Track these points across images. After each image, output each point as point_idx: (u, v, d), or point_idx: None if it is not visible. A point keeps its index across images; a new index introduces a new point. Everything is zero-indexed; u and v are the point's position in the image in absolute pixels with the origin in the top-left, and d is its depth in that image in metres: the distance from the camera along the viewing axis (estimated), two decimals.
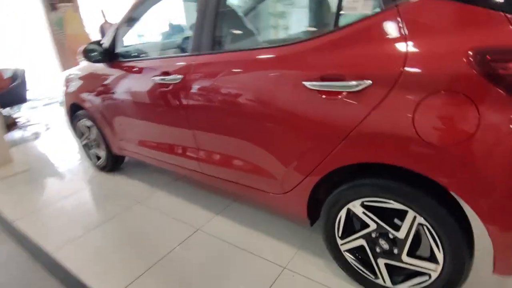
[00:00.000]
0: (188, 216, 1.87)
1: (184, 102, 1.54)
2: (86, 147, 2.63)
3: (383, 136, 0.96)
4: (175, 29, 4.40)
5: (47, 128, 4.08)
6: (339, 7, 1.07)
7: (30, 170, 2.78)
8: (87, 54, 1.93)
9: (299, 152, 1.21)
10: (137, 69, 1.80)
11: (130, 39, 2.12)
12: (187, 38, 2.14)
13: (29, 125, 4.22)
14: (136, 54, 2.12)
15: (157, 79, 1.63)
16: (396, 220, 1.10)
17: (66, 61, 5.51)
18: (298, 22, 2.21)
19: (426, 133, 0.88)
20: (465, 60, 0.80)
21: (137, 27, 1.97)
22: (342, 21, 1.06)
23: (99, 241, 1.74)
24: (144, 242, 1.69)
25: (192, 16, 1.57)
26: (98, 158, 2.57)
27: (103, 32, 5.46)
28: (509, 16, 0.76)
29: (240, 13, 1.83)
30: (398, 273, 1.16)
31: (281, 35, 2.41)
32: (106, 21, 5.50)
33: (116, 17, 5.35)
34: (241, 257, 1.52)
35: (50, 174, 2.70)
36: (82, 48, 1.96)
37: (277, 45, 1.21)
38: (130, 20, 1.91)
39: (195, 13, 1.50)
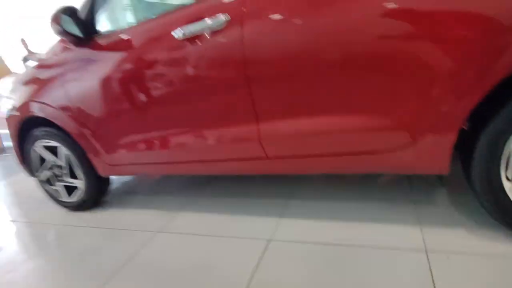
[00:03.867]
0: (247, 230, 1.33)
1: (238, 53, 1.07)
2: (47, 183, 1.91)
3: None
4: None
5: None
6: None
7: None
8: (60, 22, 1.32)
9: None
10: (138, 34, 1.30)
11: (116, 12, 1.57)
12: None
13: None
14: (134, 19, 1.56)
15: (181, 33, 1.14)
16: None
17: None
18: None
19: None
20: None
21: None
22: None
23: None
24: (214, 276, 1.11)
25: None
26: (70, 191, 1.86)
27: (27, 64, 4.58)
28: None
29: None
30: None
31: None
32: (29, 51, 4.64)
33: (39, 46, 4.55)
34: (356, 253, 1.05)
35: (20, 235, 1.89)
36: (54, 13, 1.33)
37: None
38: None
39: None
